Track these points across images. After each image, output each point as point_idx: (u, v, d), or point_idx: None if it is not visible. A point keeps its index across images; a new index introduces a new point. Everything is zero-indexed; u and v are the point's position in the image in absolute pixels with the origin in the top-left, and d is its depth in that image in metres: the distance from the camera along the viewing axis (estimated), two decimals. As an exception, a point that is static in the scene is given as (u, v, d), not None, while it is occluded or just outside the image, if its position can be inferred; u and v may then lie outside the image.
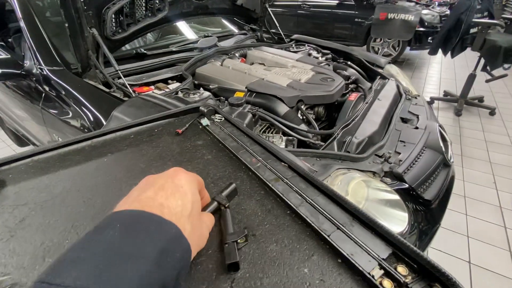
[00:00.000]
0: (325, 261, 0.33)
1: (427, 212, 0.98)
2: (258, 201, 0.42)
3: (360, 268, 0.31)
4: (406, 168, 1.01)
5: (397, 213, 0.85)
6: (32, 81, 1.40)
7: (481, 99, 3.53)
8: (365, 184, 0.88)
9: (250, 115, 1.08)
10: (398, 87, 1.60)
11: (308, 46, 2.11)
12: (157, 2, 1.49)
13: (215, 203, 0.37)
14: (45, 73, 1.32)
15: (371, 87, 1.55)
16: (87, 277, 0.19)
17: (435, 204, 1.01)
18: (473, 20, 2.99)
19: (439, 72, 4.96)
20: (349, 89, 1.54)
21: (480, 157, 2.53)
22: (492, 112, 3.30)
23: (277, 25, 2.25)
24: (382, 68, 1.85)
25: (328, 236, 0.35)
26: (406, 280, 0.29)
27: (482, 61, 3.11)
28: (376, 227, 0.34)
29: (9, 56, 1.47)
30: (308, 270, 0.31)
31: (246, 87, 1.29)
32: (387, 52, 5.04)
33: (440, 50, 3.30)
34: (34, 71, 1.37)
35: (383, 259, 0.31)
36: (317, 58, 1.91)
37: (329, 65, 1.70)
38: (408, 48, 4.98)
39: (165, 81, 1.43)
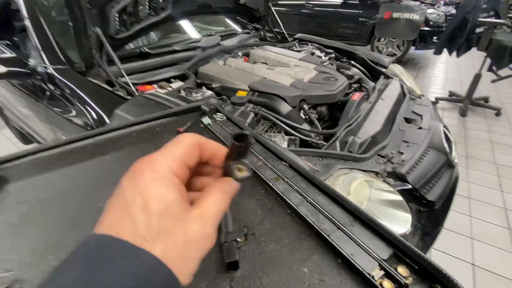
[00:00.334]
0: (325, 261, 0.32)
1: (430, 213, 0.97)
2: (259, 200, 0.42)
3: (360, 269, 0.30)
4: (409, 169, 1.00)
5: (400, 214, 0.84)
6: (37, 79, 1.42)
7: (486, 100, 3.49)
8: (367, 184, 0.87)
9: (252, 114, 1.08)
10: (402, 87, 1.59)
11: (311, 45, 2.10)
12: (161, 1, 1.50)
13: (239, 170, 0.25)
14: (49, 71, 1.33)
15: (374, 87, 1.54)
16: None
17: (438, 205, 1.00)
18: (479, 19, 2.96)
19: (444, 72, 4.91)
20: (352, 88, 1.53)
21: (485, 158, 2.50)
22: (497, 113, 3.27)
23: (280, 24, 2.24)
24: (386, 67, 1.84)
25: (329, 236, 0.34)
26: (407, 281, 0.29)
27: (488, 61, 3.07)
28: (376, 227, 0.34)
29: (14, 54, 1.49)
30: (308, 270, 0.31)
31: (248, 86, 1.29)
32: (392, 51, 5.01)
33: (445, 50, 3.27)
34: (39, 69, 1.38)
35: (383, 259, 0.31)
36: (320, 57, 1.90)
37: (332, 65, 1.69)
38: (412, 47, 4.94)
39: (168, 80, 1.43)
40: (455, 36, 3.08)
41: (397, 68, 1.88)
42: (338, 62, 1.82)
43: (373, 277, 0.30)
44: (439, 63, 5.37)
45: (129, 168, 0.24)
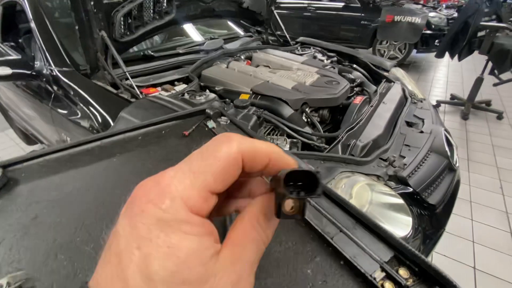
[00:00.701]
0: (328, 263, 0.33)
1: (432, 217, 0.98)
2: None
3: (362, 270, 0.31)
4: (410, 172, 1.01)
5: (401, 217, 0.85)
6: (42, 81, 1.43)
7: (488, 103, 3.49)
8: (369, 187, 0.88)
9: (255, 117, 1.09)
10: (403, 90, 1.59)
11: (313, 48, 2.11)
12: (165, 5, 1.51)
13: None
14: (54, 73, 1.35)
15: (376, 90, 1.55)
16: None
17: (439, 208, 1.00)
18: (481, 23, 2.97)
19: (446, 75, 4.91)
20: (354, 92, 1.54)
21: (487, 161, 2.50)
22: (499, 116, 3.26)
23: (283, 27, 2.26)
24: (387, 71, 1.85)
25: (331, 238, 0.35)
26: (407, 283, 0.30)
27: (490, 64, 3.07)
28: (378, 230, 0.35)
29: (20, 56, 1.51)
30: (311, 271, 0.32)
31: (251, 90, 1.30)
32: (393, 54, 5.02)
33: (447, 53, 3.28)
34: (44, 71, 1.40)
35: (384, 261, 0.32)
36: (322, 60, 1.91)
37: (334, 68, 1.70)
38: (414, 51, 4.95)
39: (171, 82, 1.45)
40: (457, 40, 3.09)
41: (398, 72, 1.89)
42: (340, 65, 1.83)
43: (374, 279, 0.30)
44: (441, 66, 5.37)
45: (132, 192, 0.17)
